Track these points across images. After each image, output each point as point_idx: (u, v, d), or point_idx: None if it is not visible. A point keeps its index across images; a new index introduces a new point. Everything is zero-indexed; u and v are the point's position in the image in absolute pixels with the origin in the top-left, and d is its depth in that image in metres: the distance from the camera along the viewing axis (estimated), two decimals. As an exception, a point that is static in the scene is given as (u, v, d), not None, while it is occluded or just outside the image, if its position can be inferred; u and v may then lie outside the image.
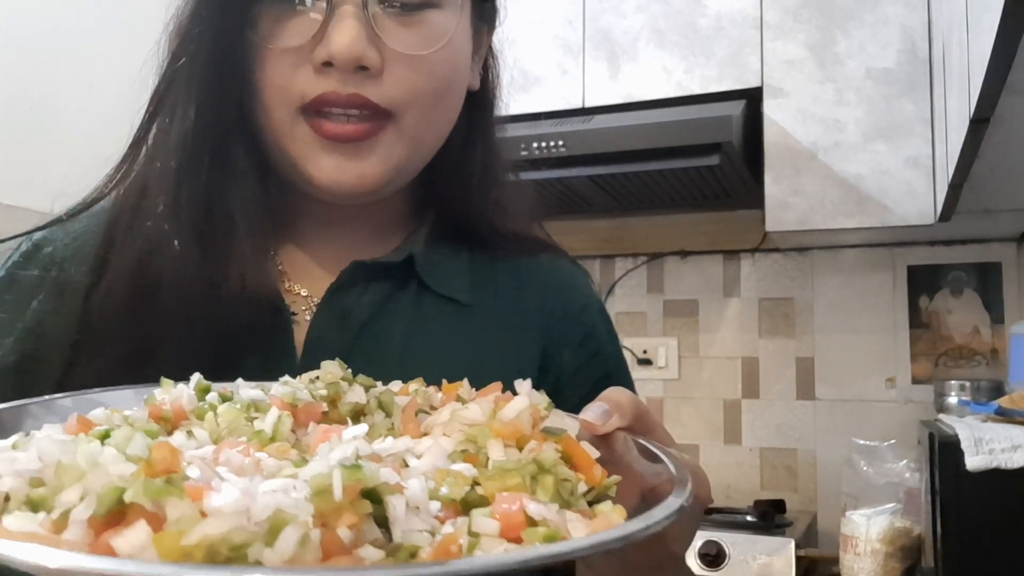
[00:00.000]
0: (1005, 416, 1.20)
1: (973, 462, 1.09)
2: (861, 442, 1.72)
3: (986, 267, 2.05)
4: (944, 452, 1.12)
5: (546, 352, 0.67)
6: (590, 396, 0.49)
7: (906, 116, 1.81)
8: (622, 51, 2.04)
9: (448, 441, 0.37)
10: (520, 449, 0.37)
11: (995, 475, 1.08)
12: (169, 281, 0.56)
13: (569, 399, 0.55)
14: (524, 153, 1.88)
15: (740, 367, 2.24)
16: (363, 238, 0.65)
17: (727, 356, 2.26)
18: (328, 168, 0.58)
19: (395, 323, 0.62)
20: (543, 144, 1.86)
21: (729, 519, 1.90)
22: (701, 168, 1.84)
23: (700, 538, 1.73)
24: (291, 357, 0.59)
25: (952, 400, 1.80)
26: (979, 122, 1.07)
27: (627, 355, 2.50)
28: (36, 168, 2.07)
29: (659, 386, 2.29)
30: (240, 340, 0.56)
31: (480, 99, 0.68)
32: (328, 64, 0.55)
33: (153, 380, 0.46)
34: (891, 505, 1.61)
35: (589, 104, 2.05)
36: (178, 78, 0.61)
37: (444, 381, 0.48)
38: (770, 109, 1.90)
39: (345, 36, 0.54)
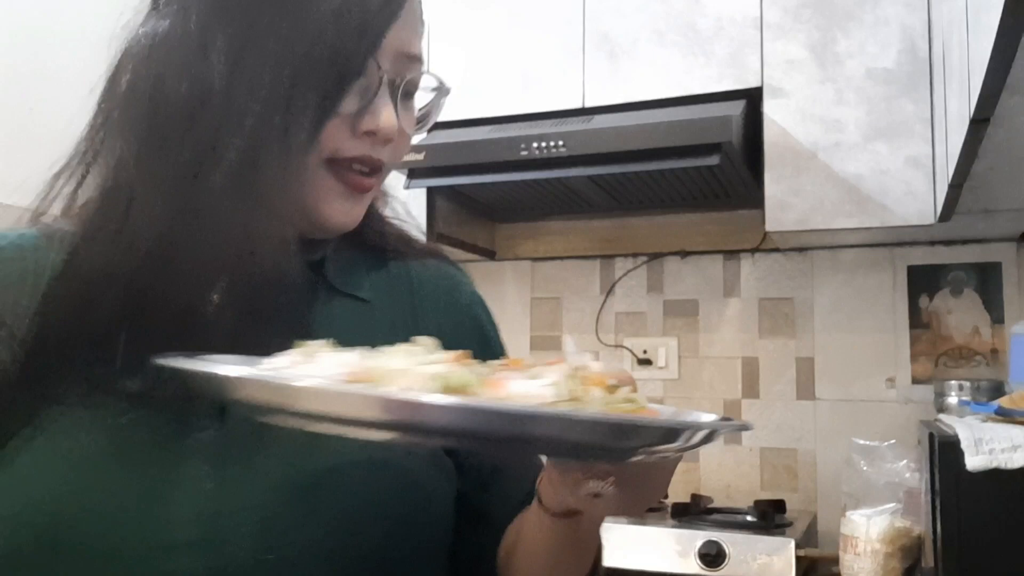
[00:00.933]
0: (1005, 416, 1.20)
1: (973, 462, 1.09)
2: (861, 442, 1.72)
3: (986, 267, 2.05)
4: (944, 452, 1.12)
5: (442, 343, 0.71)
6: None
7: (906, 116, 1.81)
8: (622, 51, 2.04)
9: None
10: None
11: (995, 475, 1.08)
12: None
13: None
14: (524, 153, 1.88)
15: (740, 367, 2.24)
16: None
17: (727, 356, 2.26)
18: (340, 211, 0.69)
19: (308, 320, 0.70)
20: (543, 144, 1.86)
21: (729, 519, 1.90)
22: (701, 168, 1.84)
23: (700, 538, 1.73)
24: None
25: (952, 400, 1.80)
26: (979, 122, 1.07)
27: (627, 355, 2.48)
28: (36, 169, 2.07)
29: (659, 386, 2.29)
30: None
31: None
32: (370, 133, 0.68)
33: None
34: (891, 505, 1.61)
35: (589, 104, 2.05)
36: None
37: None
38: (770, 109, 1.90)
39: (392, 116, 0.68)
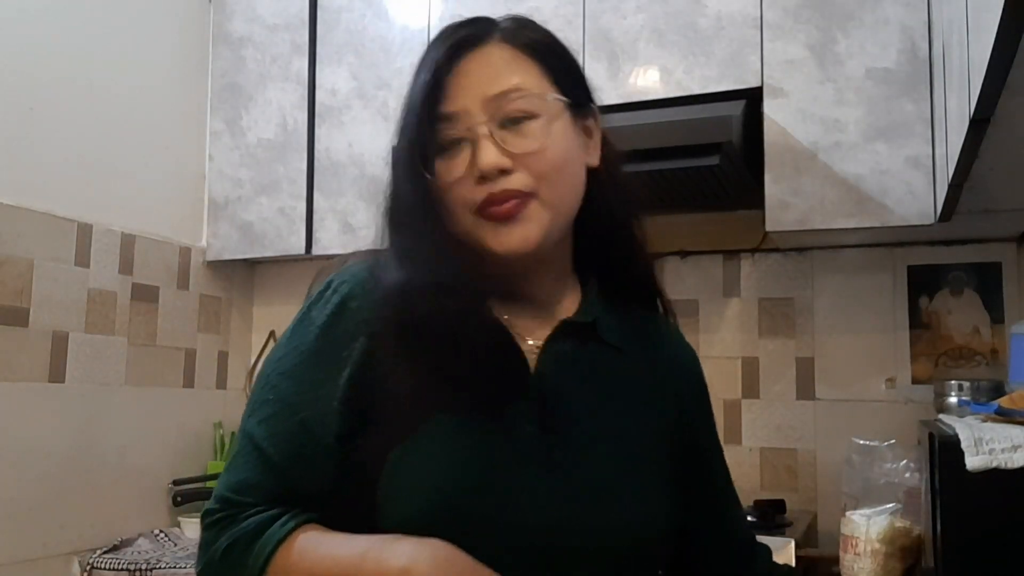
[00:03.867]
0: (1005, 416, 1.20)
1: (973, 462, 1.08)
2: (861, 442, 1.72)
3: (986, 267, 2.05)
4: (944, 452, 1.12)
5: (679, 396, 1.00)
6: (707, 434, 1.04)
7: (906, 116, 1.81)
8: (622, 51, 2.04)
9: None
10: None
11: (995, 475, 1.07)
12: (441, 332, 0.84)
13: (698, 429, 1.03)
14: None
15: (740, 367, 2.24)
16: (543, 292, 0.94)
17: (727, 356, 2.26)
18: (501, 239, 0.86)
19: (586, 366, 0.92)
20: (543, 144, 1.86)
21: (729, 519, 1.89)
22: (701, 168, 1.84)
23: (700, 538, 1.73)
24: (526, 380, 0.87)
25: (952, 400, 1.79)
26: (979, 122, 1.07)
27: (627, 355, 2.41)
28: (36, 168, 2.07)
29: (659, 386, 2.29)
30: (490, 375, 0.85)
31: (603, 172, 0.96)
32: (483, 177, 0.85)
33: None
34: (891, 505, 1.61)
35: (589, 104, 2.04)
36: (395, 207, 0.92)
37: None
38: (770, 109, 1.90)
39: (488, 157, 0.85)
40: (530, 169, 0.86)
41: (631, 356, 0.95)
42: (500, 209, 0.85)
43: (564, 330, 0.92)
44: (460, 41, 0.89)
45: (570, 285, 0.97)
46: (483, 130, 0.86)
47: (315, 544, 0.80)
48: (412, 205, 0.90)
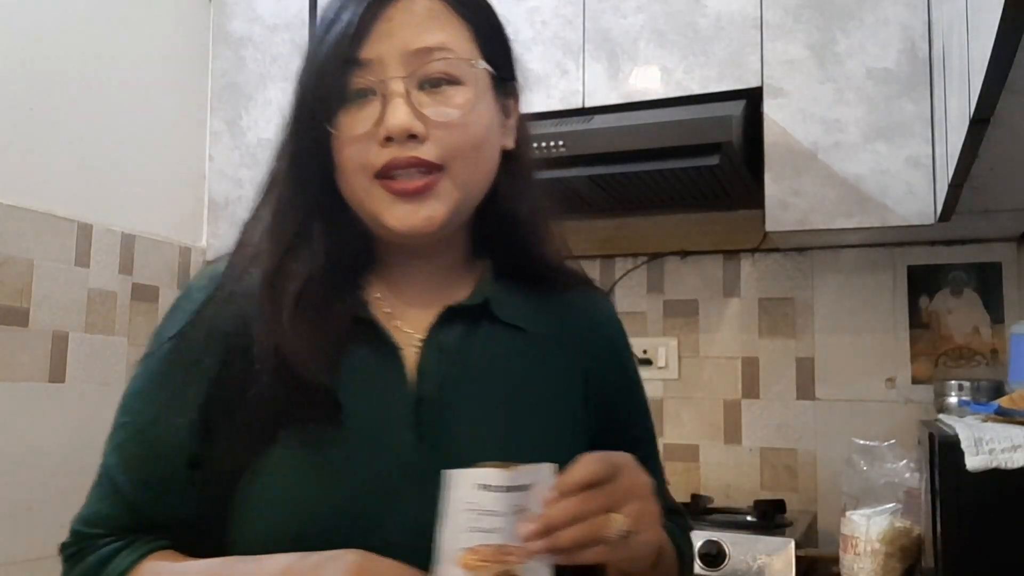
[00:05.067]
0: (1005, 416, 1.20)
1: (973, 462, 1.08)
2: (861, 442, 1.72)
3: (986, 267, 2.05)
4: (944, 452, 1.12)
5: (586, 370, 0.89)
6: (623, 401, 0.90)
7: (906, 116, 1.81)
8: (622, 51, 2.04)
9: None
10: None
11: (995, 475, 1.07)
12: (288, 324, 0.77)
13: (613, 397, 0.90)
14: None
15: (740, 367, 2.24)
16: (438, 276, 0.86)
17: (727, 356, 2.26)
18: (401, 216, 0.77)
19: (478, 352, 0.83)
20: (543, 144, 1.86)
21: (729, 519, 1.90)
22: (701, 168, 1.84)
23: (700, 538, 1.73)
24: (402, 381, 0.79)
25: (952, 400, 1.79)
26: (979, 122, 1.07)
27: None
28: (36, 168, 2.07)
29: (659, 386, 2.29)
30: (357, 363, 0.78)
31: (515, 156, 0.87)
32: (389, 139, 0.75)
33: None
34: (891, 505, 1.61)
35: (589, 104, 2.05)
36: (282, 171, 0.83)
37: None
38: (770, 109, 1.90)
39: (398, 116, 0.75)
40: (445, 141, 0.77)
41: (535, 335, 0.86)
42: (409, 185, 0.76)
43: (449, 317, 0.83)
44: None
45: (467, 269, 0.88)
46: (398, 86, 0.76)
47: (164, 573, 0.74)
48: (301, 165, 0.80)
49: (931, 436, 1.20)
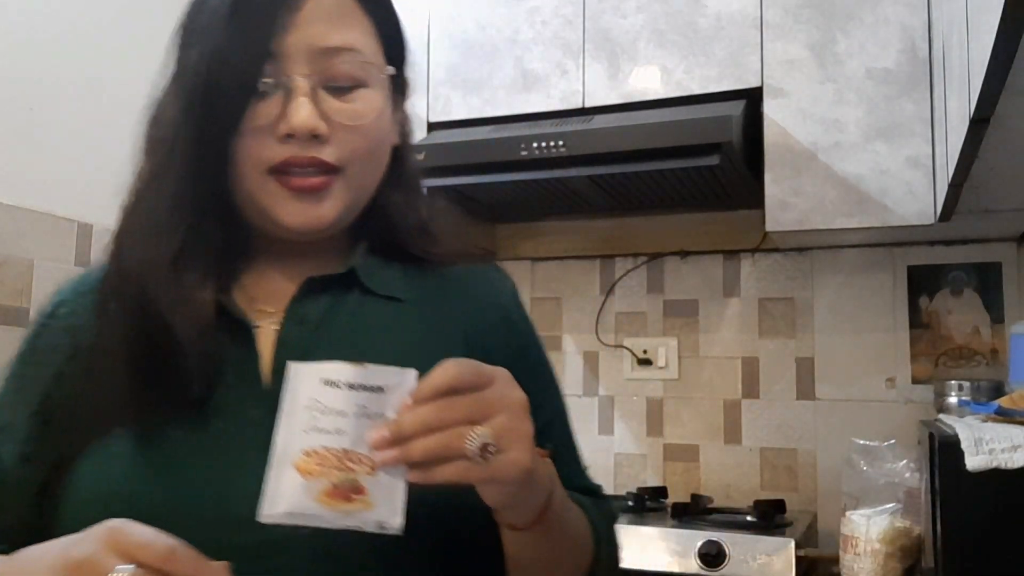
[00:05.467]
0: (1005, 416, 1.20)
1: (973, 462, 1.08)
2: (861, 442, 1.72)
3: (986, 267, 2.05)
4: (944, 452, 1.12)
5: (468, 334, 0.82)
6: (514, 367, 0.68)
7: (906, 116, 1.81)
8: (622, 51, 2.04)
9: None
10: None
11: (995, 475, 1.08)
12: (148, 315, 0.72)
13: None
14: (524, 153, 1.88)
15: (740, 367, 2.24)
16: (312, 263, 0.80)
17: (727, 356, 2.26)
18: (294, 212, 0.75)
19: (344, 321, 0.78)
20: (543, 144, 1.86)
21: (729, 519, 1.90)
22: (701, 168, 1.84)
23: (700, 538, 1.73)
24: (255, 359, 0.75)
25: (952, 400, 1.80)
26: (979, 122, 1.07)
27: (627, 355, 2.48)
28: (36, 168, 2.07)
29: (659, 386, 2.29)
30: (211, 349, 0.73)
31: (399, 151, 0.85)
32: (290, 136, 0.73)
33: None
34: (891, 505, 1.61)
35: (589, 104, 2.05)
36: (163, 152, 0.78)
37: None
38: (770, 109, 1.90)
39: (301, 114, 0.72)
40: (346, 144, 0.75)
41: (410, 304, 0.81)
42: (306, 182, 0.74)
43: (313, 289, 0.79)
44: None
45: (341, 249, 0.83)
46: (302, 83, 0.73)
47: None
48: (186, 152, 0.75)
49: (931, 436, 1.20)
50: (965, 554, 1.12)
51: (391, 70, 0.80)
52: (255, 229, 0.79)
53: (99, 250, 2.36)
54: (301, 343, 0.75)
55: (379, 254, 0.83)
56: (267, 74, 0.73)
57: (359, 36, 0.77)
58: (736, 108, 1.83)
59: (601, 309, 2.37)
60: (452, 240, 0.88)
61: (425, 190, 0.89)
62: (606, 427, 2.33)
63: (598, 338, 2.36)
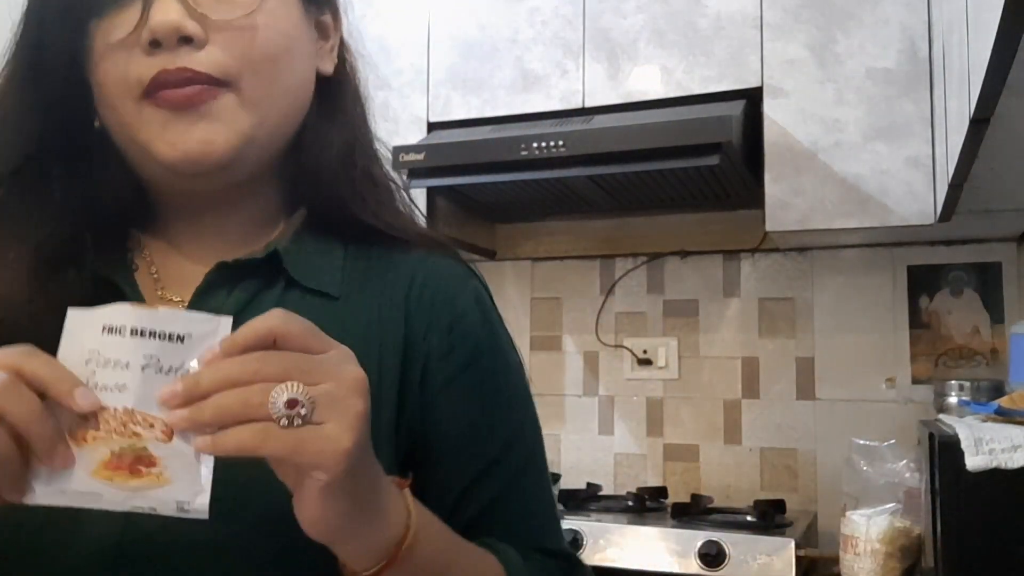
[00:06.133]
0: (1005, 416, 1.20)
1: (973, 462, 1.08)
2: (861, 442, 1.72)
3: (986, 267, 2.05)
4: (944, 452, 1.12)
5: (409, 338, 0.67)
6: (459, 378, 0.63)
7: (906, 116, 1.81)
8: (622, 51, 2.04)
9: None
10: None
11: (995, 475, 1.08)
12: (20, 292, 0.60)
13: (435, 379, 0.66)
14: (524, 153, 1.88)
15: (740, 367, 2.24)
16: (235, 235, 0.68)
17: (727, 356, 2.26)
18: (173, 139, 0.60)
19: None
20: (543, 144, 1.86)
21: (729, 519, 1.90)
22: (701, 168, 1.84)
23: (700, 538, 1.73)
24: None
25: (952, 400, 1.79)
26: (979, 122, 1.07)
27: (627, 355, 2.47)
28: (36, 168, 2.07)
29: (659, 386, 2.29)
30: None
31: (335, 85, 0.71)
32: (156, 44, 0.59)
33: None
34: (891, 505, 1.61)
35: (589, 104, 2.05)
36: (10, 95, 0.64)
37: None
38: (770, 109, 1.90)
39: (162, 13, 0.58)
40: (230, 48, 0.60)
41: (344, 303, 0.67)
42: (175, 93, 0.59)
43: (226, 277, 0.65)
44: None
45: (271, 225, 0.70)
46: None
47: None
48: (40, 88, 0.62)
49: (931, 436, 1.20)
50: (965, 554, 1.12)
51: None
52: (150, 182, 0.66)
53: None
54: None
55: (318, 232, 0.69)
56: None
57: None
58: (736, 108, 1.83)
59: (601, 309, 2.37)
60: (409, 221, 0.74)
61: (380, 151, 0.75)
62: (606, 427, 2.33)
63: (598, 338, 2.36)
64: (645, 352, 2.31)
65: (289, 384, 0.46)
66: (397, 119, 2.27)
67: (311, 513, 0.49)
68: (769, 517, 1.85)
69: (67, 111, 0.63)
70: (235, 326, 0.51)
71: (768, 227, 1.88)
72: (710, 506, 2.04)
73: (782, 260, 2.23)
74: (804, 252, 2.21)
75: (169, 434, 0.48)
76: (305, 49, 0.67)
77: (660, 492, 2.13)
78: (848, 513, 1.66)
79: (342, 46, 0.73)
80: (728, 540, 1.71)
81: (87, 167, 0.64)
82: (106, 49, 0.60)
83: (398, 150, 2.00)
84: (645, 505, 2.02)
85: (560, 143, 1.86)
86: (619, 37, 2.04)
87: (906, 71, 1.81)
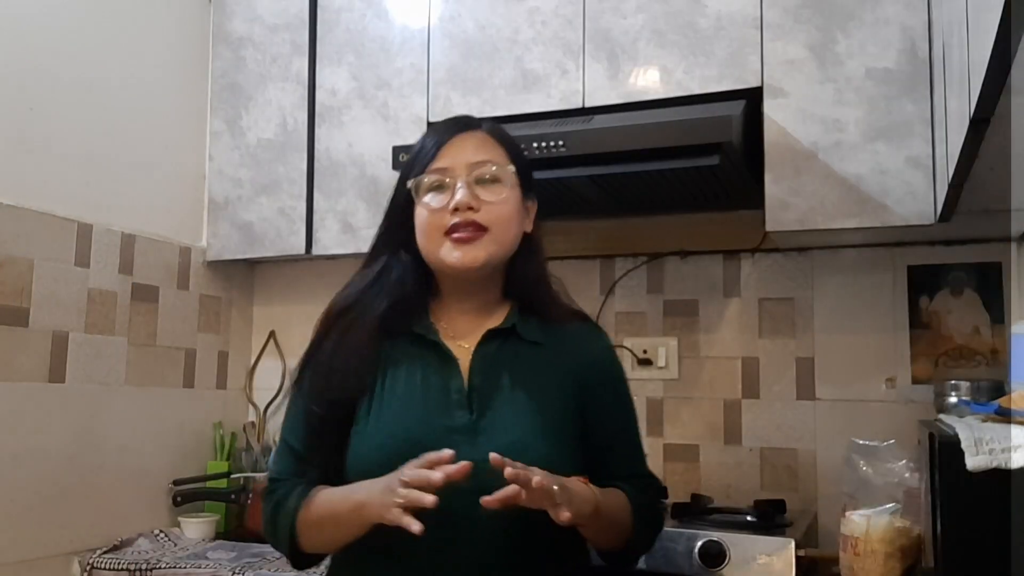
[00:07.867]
0: (1005, 416, 1.20)
1: (973, 462, 1.08)
2: (861, 442, 1.72)
3: (986, 267, 2.05)
4: (944, 452, 1.12)
5: (575, 372, 1.33)
6: (609, 395, 1.38)
7: (906, 116, 1.81)
8: (622, 51, 2.04)
9: None
10: None
11: (995, 475, 1.07)
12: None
13: (598, 395, 1.35)
14: (524, 153, 1.87)
15: (740, 367, 2.24)
16: (481, 308, 1.34)
17: (727, 356, 2.26)
18: (456, 254, 1.26)
19: (507, 357, 1.30)
20: (543, 144, 1.86)
21: (729, 519, 1.90)
22: (701, 168, 1.84)
23: (700, 538, 1.73)
24: (460, 382, 1.27)
25: (952, 400, 1.79)
26: (979, 122, 1.07)
27: (627, 355, 2.48)
28: (36, 168, 2.07)
29: (659, 386, 2.29)
30: (429, 375, 1.28)
31: (530, 238, 1.36)
32: (456, 210, 1.25)
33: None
34: (891, 505, 1.61)
35: (589, 104, 2.05)
36: (386, 232, 1.37)
37: None
38: (770, 109, 1.90)
39: (463, 196, 1.26)
40: (489, 214, 1.26)
41: (548, 348, 1.33)
42: (463, 235, 1.25)
43: (489, 336, 1.31)
44: (459, 124, 1.34)
45: (500, 306, 1.35)
46: (462, 180, 1.26)
47: (317, 499, 1.23)
48: (392, 229, 1.35)
49: (931, 436, 1.20)
50: (965, 554, 1.12)
51: (514, 169, 1.31)
52: (440, 277, 1.33)
53: (99, 250, 2.37)
54: (483, 371, 1.27)
55: (523, 310, 1.34)
56: (440, 178, 1.28)
57: (497, 156, 1.31)
58: (736, 108, 1.83)
59: (601, 309, 2.37)
60: (566, 305, 1.39)
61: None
62: (606, 427, 2.32)
63: (598, 338, 2.36)
64: (645, 352, 2.31)
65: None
66: (397, 119, 2.27)
67: (558, 513, 1.11)
68: (769, 517, 1.85)
69: (404, 235, 1.33)
70: (495, 362, 1.30)
71: (768, 227, 1.89)
72: (710, 506, 2.04)
73: (782, 260, 2.23)
74: (804, 252, 2.21)
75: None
76: (520, 217, 1.33)
77: (660, 492, 2.12)
78: (848, 513, 1.66)
79: (534, 218, 1.38)
80: (728, 540, 1.71)
81: (409, 270, 1.32)
82: (431, 211, 1.28)
83: (398, 150, 2.00)
84: (645, 505, 2.01)
85: (560, 143, 1.86)
86: (619, 37, 2.04)
87: (906, 71, 1.81)
